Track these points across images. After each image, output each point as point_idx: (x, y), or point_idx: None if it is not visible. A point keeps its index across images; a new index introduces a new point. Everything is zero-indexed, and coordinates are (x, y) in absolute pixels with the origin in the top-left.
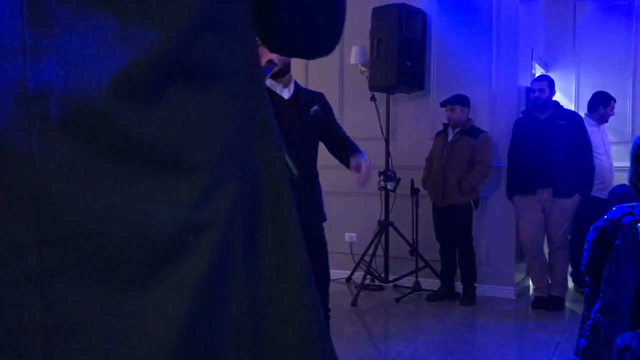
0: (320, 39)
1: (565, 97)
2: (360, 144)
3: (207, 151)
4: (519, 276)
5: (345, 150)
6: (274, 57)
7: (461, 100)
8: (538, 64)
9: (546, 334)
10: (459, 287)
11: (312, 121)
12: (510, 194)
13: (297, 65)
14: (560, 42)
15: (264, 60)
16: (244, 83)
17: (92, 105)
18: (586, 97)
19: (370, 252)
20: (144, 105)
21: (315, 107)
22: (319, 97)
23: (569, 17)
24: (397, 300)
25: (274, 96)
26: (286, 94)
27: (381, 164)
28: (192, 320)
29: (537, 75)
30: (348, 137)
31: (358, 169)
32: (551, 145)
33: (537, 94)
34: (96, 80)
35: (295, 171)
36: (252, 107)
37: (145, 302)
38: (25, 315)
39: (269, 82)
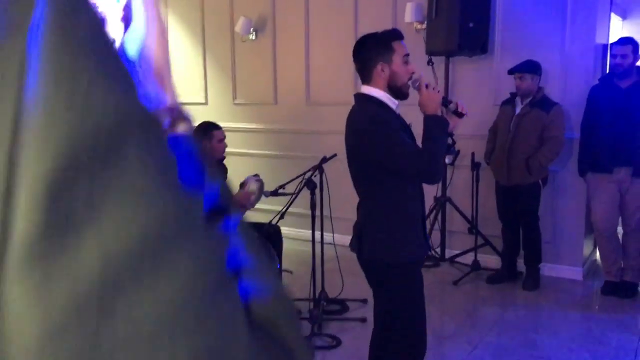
0: None
1: None
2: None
3: None
4: (587, 251)
5: None
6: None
7: (532, 68)
8: (615, 13)
9: (623, 334)
10: (521, 265)
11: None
12: (582, 171)
13: (346, 23)
14: None
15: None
16: None
17: None
18: None
19: None
20: None
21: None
22: None
23: None
24: (455, 282)
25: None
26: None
27: None
28: None
29: (616, 34)
30: None
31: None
32: (632, 118)
33: (619, 60)
34: None
35: None
36: None
37: None
38: None
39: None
